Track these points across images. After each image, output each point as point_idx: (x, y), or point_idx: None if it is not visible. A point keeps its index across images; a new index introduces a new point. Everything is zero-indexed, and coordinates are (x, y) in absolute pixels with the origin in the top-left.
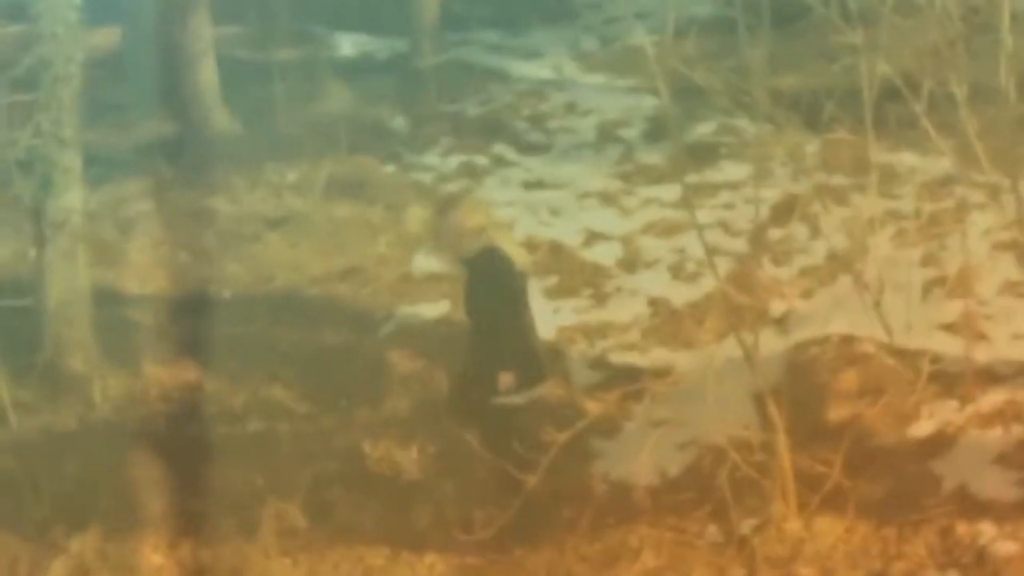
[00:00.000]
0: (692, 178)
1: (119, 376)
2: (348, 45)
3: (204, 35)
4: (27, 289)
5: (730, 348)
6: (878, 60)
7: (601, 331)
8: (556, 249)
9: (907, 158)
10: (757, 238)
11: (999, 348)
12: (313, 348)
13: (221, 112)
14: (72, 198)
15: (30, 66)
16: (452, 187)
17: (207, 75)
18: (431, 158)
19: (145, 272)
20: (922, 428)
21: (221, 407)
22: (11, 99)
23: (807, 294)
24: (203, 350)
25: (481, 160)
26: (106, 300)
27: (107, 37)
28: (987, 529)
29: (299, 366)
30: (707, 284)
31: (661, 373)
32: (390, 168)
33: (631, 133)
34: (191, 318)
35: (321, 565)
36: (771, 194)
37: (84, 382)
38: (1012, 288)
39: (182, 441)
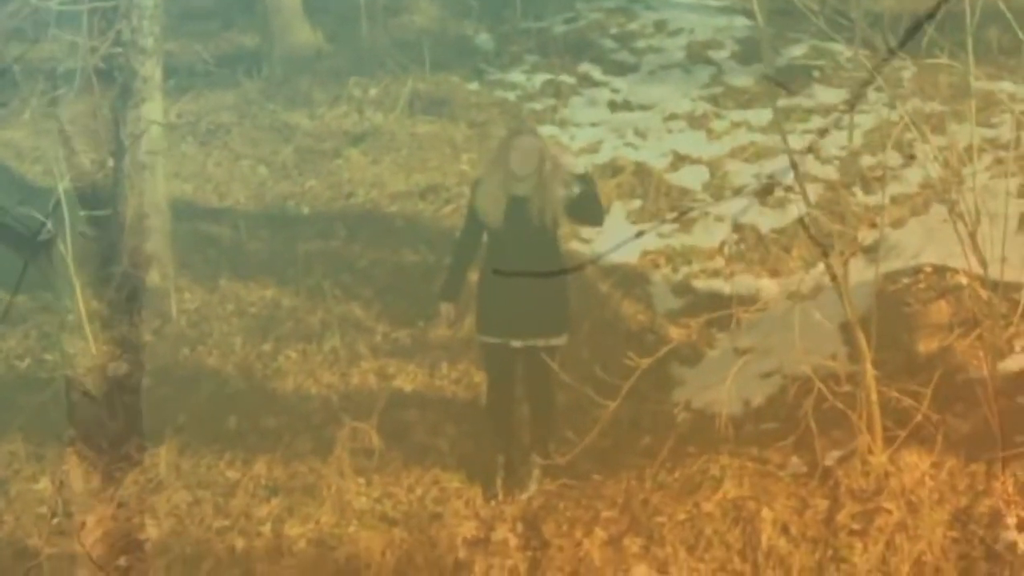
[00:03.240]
0: (783, 102)
1: (195, 290)
2: None
3: None
4: (105, 200)
5: (818, 276)
6: None
7: (685, 256)
8: (641, 171)
9: (1007, 86)
10: (849, 164)
11: None
12: (392, 266)
13: (303, 25)
14: (151, 108)
15: None
16: (537, 106)
17: None
18: (516, 76)
19: (224, 186)
20: (1015, 362)
21: (297, 324)
22: (91, 5)
23: (899, 223)
24: (280, 266)
25: (567, 79)
26: (184, 213)
27: None
28: None
29: (377, 284)
30: (795, 210)
31: (746, 300)
32: (474, 85)
33: (721, 54)
34: (269, 233)
35: (395, 487)
36: (865, 120)
37: (160, 295)
38: None
39: (256, 358)
